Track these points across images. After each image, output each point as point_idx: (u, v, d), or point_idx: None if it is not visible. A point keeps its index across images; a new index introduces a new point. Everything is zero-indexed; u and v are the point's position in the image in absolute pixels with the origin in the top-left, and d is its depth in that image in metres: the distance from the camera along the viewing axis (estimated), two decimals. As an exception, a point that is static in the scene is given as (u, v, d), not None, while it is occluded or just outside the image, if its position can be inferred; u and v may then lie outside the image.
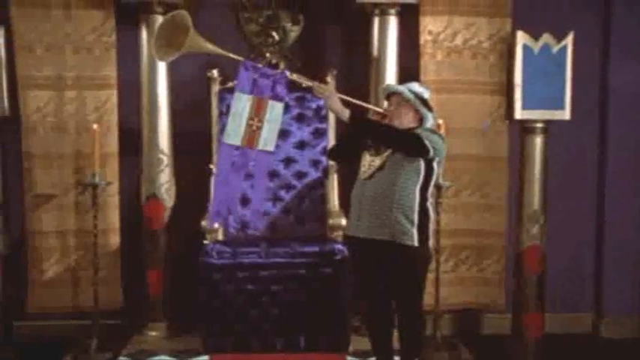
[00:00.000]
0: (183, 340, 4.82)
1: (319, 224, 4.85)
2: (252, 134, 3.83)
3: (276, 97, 3.86)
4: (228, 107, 4.90)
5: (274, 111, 3.84)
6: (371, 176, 3.79)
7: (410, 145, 3.73)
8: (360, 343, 4.49)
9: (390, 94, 3.94)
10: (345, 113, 3.80)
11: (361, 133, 3.88)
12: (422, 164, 3.75)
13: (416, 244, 3.72)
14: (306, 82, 3.93)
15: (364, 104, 4.01)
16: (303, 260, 4.41)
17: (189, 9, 4.87)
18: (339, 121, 4.96)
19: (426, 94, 3.92)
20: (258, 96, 3.83)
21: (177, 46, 3.68)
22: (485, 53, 4.93)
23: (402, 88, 3.89)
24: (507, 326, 4.94)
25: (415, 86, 3.92)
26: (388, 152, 3.78)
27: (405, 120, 3.85)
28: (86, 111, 4.89)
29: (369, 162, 3.83)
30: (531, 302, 4.79)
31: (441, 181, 4.61)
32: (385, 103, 4.00)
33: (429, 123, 3.89)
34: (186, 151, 4.99)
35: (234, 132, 3.82)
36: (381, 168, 3.77)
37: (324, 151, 4.93)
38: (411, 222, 3.72)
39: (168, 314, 4.92)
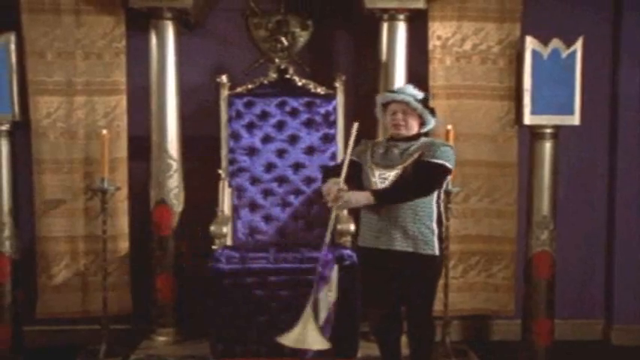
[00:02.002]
0: (192, 345, 4.82)
1: (328, 230, 4.84)
2: None
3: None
4: (237, 112, 4.94)
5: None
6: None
7: (439, 181, 3.76)
8: (369, 348, 4.48)
9: (390, 102, 3.87)
10: (370, 199, 3.73)
11: (390, 203, 3.81)
12: None
13: (437, 252, 3.76)
14: (332, 224, 3.82)
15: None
16: (312, 266, 4.39)
17: (199, 14, 4.92)
18: (347, 127, 4.97)
19: (420, 96, 3.88)
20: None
21: None
22: (495, 58, 4.92)
23: (407, 97, 3.82)
24: (517, 332, 4.92)
25: (413, 91, 3.87)
26: (404, 164, 3.75)
27: (413, 128, 3.84)
28: (96, 116, 4.91)
29: (379, 174, 3.80)
30: (541, 308, 4.77)
31: (450, 186, 4.60)
32: (379, 110, 3.95)
33: (430, 125, 3.87)
34: (195, 157, 5.01)
35: None
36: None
37: (333, 156, 4.93)
38: (432, 231, 3.75)
39: (176, 319, 4.92)
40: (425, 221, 3.73)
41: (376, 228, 3.80)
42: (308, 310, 3.71)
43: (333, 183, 3.76)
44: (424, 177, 3.73)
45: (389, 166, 3.79)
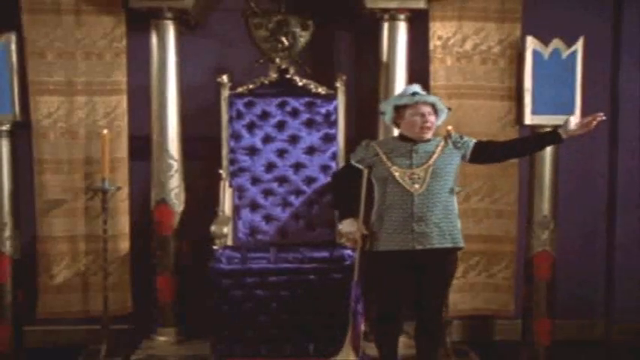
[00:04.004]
0: (193, 345, 4.82)
1: (329, 230, 4.84)
2: None
3: None
4: (238, 112, 4.94)
5: None
6: (421, 187, 3.82)
7: None
8: (369, 348, 4.47)
9: (416, 103, 3.88)
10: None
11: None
12: (459, 165, 3.94)
13: (462, 244, 3.91)
14: (357, 262, 4.08)
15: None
16: (312, 266, 4.41)
17: (200, 14, 4.92)
18: (348, 127, 4.99)
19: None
20: None
21: None
22: (495, 58, 4.92)
23: (434, 99, 3.92)
24: (517, 332, 4.93)
25: (421, 89, 3.95)
26: (430, 162, 3.84)
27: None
28: (96, 116, 4.91)
29: (409, 174, 3.83)
30: (541, 308, 4.79)
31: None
32: (389, 112, 3.97)
33: (438, 122, 3.97)
34: (195, 157, 5.00)
35: None
36: (432, 178, 3.82)
37: (334, 156, 4.93)
38: (457, 224, 3.89)
39: (177, 319, 4.92)
40: (453, 216, 3.86)
41: (407, 229, 3.81)
42: (347, 345, 4.00)
43: (351, 224, 3.95)
44: (497, 141, 4.06)
45: (416, 165, 3.84)
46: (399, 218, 3.82)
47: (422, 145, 3.87)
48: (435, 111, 3.90)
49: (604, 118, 3.88)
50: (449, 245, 3.83)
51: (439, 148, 3.88)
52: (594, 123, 3.84)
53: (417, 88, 3.95)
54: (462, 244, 3.90)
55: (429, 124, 3.85)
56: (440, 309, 3.99)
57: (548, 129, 4.67)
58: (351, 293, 4.12)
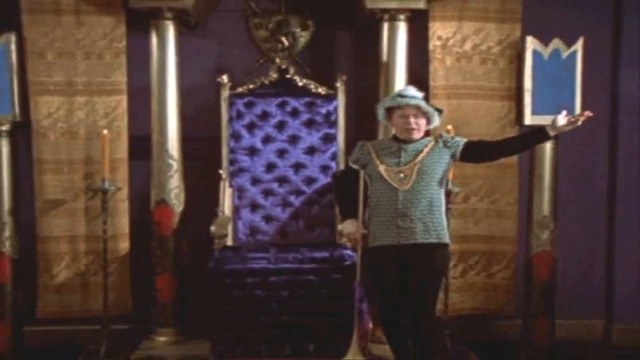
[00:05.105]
0: (193, 345, 4.81)
1: (329, 230, 4.85)
2: None
3: None
4: (238, 113, 4.95)
5: None
6: (406, 185, 3.84)
7: None
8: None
9: (402, 106, 3.92)
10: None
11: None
12: (450, 165, 3.94)
13: (448, 241, 3.92)
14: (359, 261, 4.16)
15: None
16: (312, 266, 4.41)
17: (200, 14, 4.92)
18: (348, 127, 4.99)
19: (422, 96, 3.99)
20: None
21: None
22: (495, 59, 4.92)
23: (419, 101, 3.91)
24: (517, 332, 4.93)
25: (417, 92, 3.96)
26: (416, 160, 3.87)
27: (423, 129, 3.94)
28: (96, 116, 4.91)
29: (396, 172, 3.86)
30: (541, 308, 4.79)
31: (450, 186, 4.61)
32: (381, 113, 4.00)
33: (435, 124, 3.98)
34: (195, 157, 5.01)
35: None
36: (418, 176, 3.84)
37: (334, 157, 4.93)
38: (443, 221, 3.89)
39: (177, 319, 4.92)
40: (440, 210, 3.87)
41: (393, 225, 3.84)
42: (354, 345, 4.08)
43: (351, 225, 4.05)
44: (488, 141, 4.06)
45: (404, 163, 3.87)
46: (386, 215, 3.86)
47: (411, 145, 3.92)
48: (426, 113, 3.91)
49: (591, 114, 3.86)
50: (433, 241, 3.84)
51: (428, 147, 3.91)
52: (581, 119, 3.84)
53: (410, 89, 3.99)
54: (446, 240, 3.91)
55: (413, 126, 3.88)
56: (430, 307, 3.95)
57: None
58: (352, 294, 4.15)
